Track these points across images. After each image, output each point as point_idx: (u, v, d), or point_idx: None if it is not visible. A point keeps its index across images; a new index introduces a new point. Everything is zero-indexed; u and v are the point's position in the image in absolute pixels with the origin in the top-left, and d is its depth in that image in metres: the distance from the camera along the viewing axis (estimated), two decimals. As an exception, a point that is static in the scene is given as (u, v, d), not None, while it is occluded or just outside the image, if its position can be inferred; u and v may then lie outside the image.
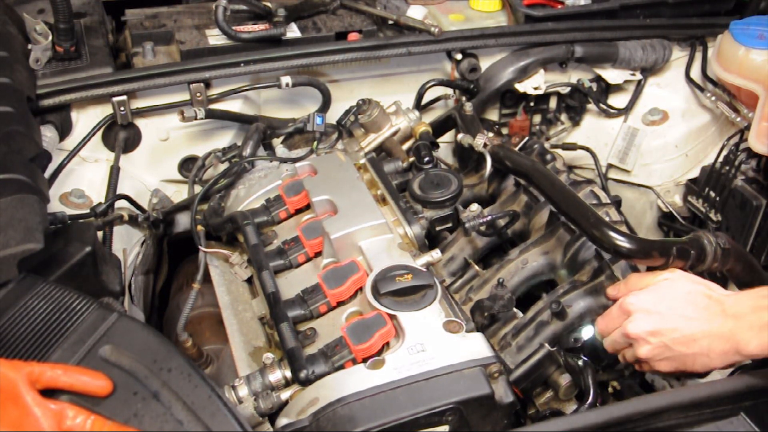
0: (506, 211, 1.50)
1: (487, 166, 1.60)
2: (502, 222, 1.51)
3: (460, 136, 1.71)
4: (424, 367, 1.13)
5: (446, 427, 1.11)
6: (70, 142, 1.73)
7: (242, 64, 1.76)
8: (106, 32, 1.91)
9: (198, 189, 1.67)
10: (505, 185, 1.68)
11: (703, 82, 2.08)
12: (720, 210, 1.99)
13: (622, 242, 1.28)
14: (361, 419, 1.07)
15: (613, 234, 1.29)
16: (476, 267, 1.54)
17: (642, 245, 1.29)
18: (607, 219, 1.43)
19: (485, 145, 1.62)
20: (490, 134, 1.85)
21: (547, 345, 1.31)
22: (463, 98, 2.00)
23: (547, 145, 1.90)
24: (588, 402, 1.28)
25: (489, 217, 1.45)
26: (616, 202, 1.52)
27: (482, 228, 1.48)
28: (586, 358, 1.32)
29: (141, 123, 1.80)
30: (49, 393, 0.97)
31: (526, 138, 1.75)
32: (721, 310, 1.15)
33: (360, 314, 1.28)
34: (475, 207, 1.52)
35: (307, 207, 1.54)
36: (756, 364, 1.34)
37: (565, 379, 1.30)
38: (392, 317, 1.22)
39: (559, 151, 2.02)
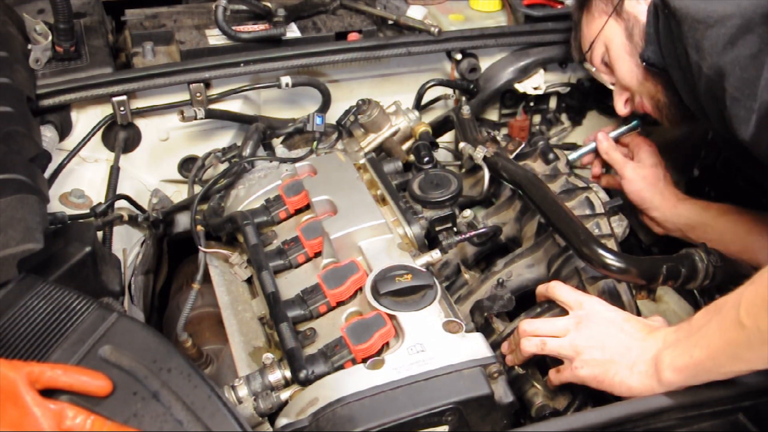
0: (492, 227, 1.50)
1: (485, 179, 1.61)
2: (483, 237, 1.51)
3: (461, 145, 1.72)
4: (423, 367, 1.13)
5: (446, 427, 1.11)
6: (70, 142, 1.73)
7: (242, 64, 1.76)
8: (106, 32, 1.91)
9: (198, 189, 1.67)
10: (503, 188, 1.68)
11: (703, 82, 2.08)
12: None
13: (612, 260, 1.29)
14: (361, 419, 1.07)
15: (602, 252, 1.30)
16: (467, 275, 1.54)
17: (632, 264, 1.30)
18: (597, 231, 1.43)
19: (485, 158, 1.62)
20: (490, 133, 1.85)
21: (518, 368, 1.32)
22: (462, 99, 2.00)
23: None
24: (576, 402, 1.28)
25: (463, 236, 1.44)
26: (618, 206, 1.52)
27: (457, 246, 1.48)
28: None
29: (141, 123, 1.80)
30: (49, 393, 0.97)
31: (522, 144, 1.75)
32: (654, 333, 1.18)
33: (360, 314, 1.28)
34: (468, 213, 1.52)
35: (307, 207, 1.54)
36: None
37: (537, 399, 1.30)
38: (392, 317, 1.22)
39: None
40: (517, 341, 1.29)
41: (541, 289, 1.36)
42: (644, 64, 1.53)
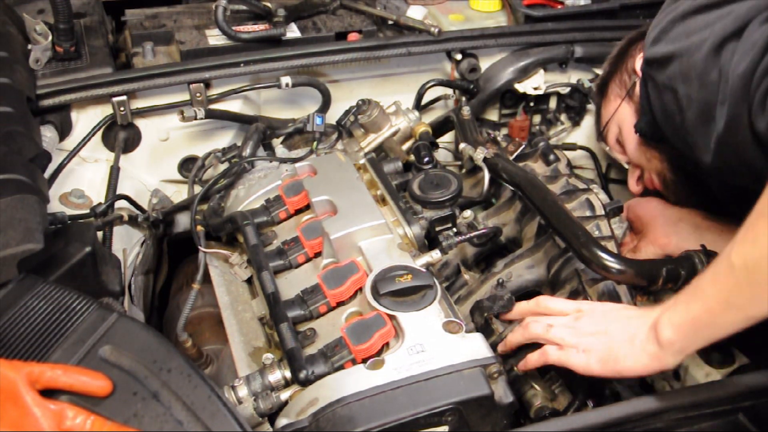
0: (492, 227, 1.50)
1: (485, 180, 1.61)
2: (484, 238, 1.51)
3: (462, 145, 1.72)
4: (423, 368, 1.13)
5: (446, 428, 1.11)
6: (70, 142, 1.73)
7: (242, 64, 1.76)
8: (106, 32, 1.91)
9: (198, 189, 1.67)
10: (503, 189, 1.68)
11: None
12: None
13: (612, 263, 1.29)
14: (361, 419, 1.07)
15: (602, 254, 1.30)
16: (466, 276, 1.54)
17: (631, 266, 1.30)
18: (597, 233, 1.43)
19: (485, 159, 1.63)
20: (490, 134, 1.85)
21: (517, 368, 1.32)
22: (463, 99, 2.00)
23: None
24: (576, 402, 1.28)
25: (464, 237, 1.44)
26: (617, 208, 1.51)
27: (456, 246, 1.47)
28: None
29: (141, 123, 1.80)
30: (49, 393, 0.97)
31: (523, 146, 1.75)
32: (652, 307, 1.18)
33: (360, 314, 1.28)
34: (468, 213, 1.52)
35: (307, 207, 1.54)
36: (755, 365, 1.35)
37: (536, 400, 1.30)
38: (392, 317, 1.22)
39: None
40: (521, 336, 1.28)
41: (530, 305, 1.33)
42: (637, 134, 1.58)
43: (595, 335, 1.19)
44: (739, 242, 1.01)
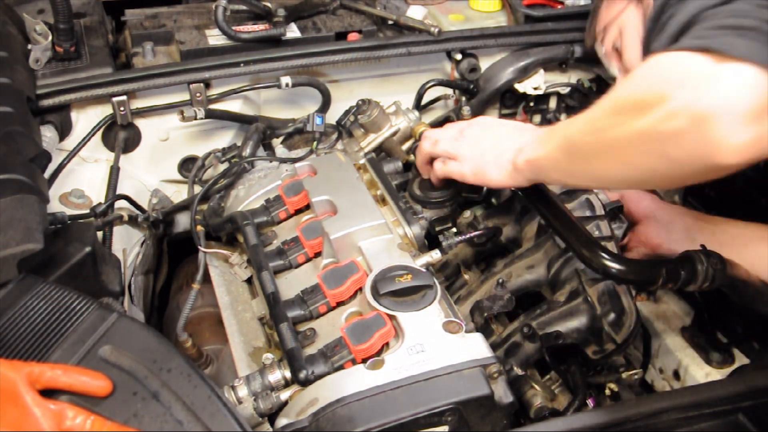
0: (492, 227, 1.50)
1: None
2: (484, 238, 1.51)
3: None
4: (423, 368, 1.13)
5: (446, 428, 1.11)
6: (70, 142, 1.73)
7: (242, 64, 1.76)
8: (106, 32, 1.91)
9: (198, 189, 1.67)
10: (503, 189, 1.68)
11: (703, 82, 2.08)
12: (720, 211, 1.99)
13: (612, 264, 1.29)
14: (361, 419, 1.07)
15: (602, 255, 1.29)
16: (466, 276, 1.54)
17: (632, 267, 1.30)
18: (597, 233, 1.43)
19: None
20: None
21: (517, 368, 1.32)
22: (463, 99, 2.00)
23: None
24: (576, 402, 1.28)
25: (464, 237, 1.44)
26: (617, 208, 1.51)
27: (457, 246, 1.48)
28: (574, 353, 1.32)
29: (141, 123, 1.80)
30: (49, 393, 0.97)
31: None
32: (526, 130, 1.37)
33: (360, 314, 1.28)
34: (468, 213, 1.52)
35: (307, 207, 1.54)
36: (755, 365, 1.35)
37: (536, 400, 1.30)
38: (392, 317, 1.22)
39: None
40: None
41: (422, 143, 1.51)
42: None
43: (472, 147, 1.38)
44: (573, 122, 1.18)
